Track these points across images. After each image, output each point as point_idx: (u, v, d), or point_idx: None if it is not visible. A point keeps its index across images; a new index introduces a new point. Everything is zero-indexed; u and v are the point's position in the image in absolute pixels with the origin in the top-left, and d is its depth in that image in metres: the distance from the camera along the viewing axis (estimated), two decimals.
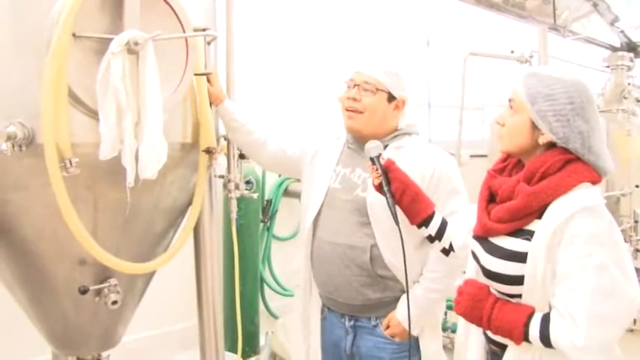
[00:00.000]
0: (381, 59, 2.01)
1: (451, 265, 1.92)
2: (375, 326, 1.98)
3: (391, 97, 1.97)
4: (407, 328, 1.90)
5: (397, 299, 1.95)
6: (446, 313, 4.21)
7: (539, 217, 1.43)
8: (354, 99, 1.95)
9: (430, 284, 1.94)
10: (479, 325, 1.51)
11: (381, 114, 1.96)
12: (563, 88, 1.43)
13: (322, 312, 2.08)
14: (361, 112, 1.95)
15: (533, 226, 1.44)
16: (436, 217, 1.77)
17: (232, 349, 2.37)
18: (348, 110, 1.97)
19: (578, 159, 1.44)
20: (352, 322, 2.00)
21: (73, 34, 1.39)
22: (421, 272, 1.95)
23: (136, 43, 1.42)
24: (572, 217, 1.37)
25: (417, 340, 1.98)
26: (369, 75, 1.95)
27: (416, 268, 1.93)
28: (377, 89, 1.94)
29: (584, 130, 1.43)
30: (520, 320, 1.42)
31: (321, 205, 1.98)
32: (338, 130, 2.10)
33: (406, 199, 1.74)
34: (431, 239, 1.80)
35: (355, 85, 1.96)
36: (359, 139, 1.99)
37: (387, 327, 1.96)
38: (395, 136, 2.00)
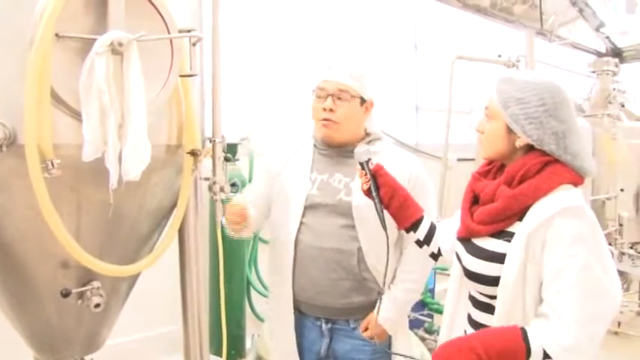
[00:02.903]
0: (347, 63, 1.98)
1: (425, 263, 1.96)
2: (354, 329, 1.98)
3: (362, 101, 1.96)
4: (386, 329, 1.94)
5: (376, 302, 1.95)
6: (432, 316, 4.22)
7: (521, 219, 1.44)
8: (331, 110, 1.93)
9: (409, 285, 1.96)
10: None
11: (356, 120, 1.97)
12: (534, 91, 1.45)
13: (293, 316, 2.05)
14: (337, 123, 1.94)
15: (514, 228, 1.45)
16: (424, 221, 1.78)
17: (218, 352, 2.36)
18: (324, 120, 1.95)
19: (557, 161, 1.45)
20: (329, 325, 2.00)
21: (56, 34, 1.37)
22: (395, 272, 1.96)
23: (120, 44, 1.40)
24: (553, 218, 1.38)
25: (390, 340, 2.00)
26: (341, 82, 1.92)
27: (391, 269, 1.96)
28: (351, 96, 1.93)
29: (558, 131, 1.44)
30: (517, 338, 1.38)
31: (303, 213, 1.96)
32: (303, 137, 2.10)
33: (395, 203, 1.75)
34: (419, 244, 1.80)
35: (328, 95, 1.93)
36: (332, 145, 1.99)
37: (366, 329, 1.96)
38: (369, 141, 2.00)
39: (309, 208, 1.96)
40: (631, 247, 5.10)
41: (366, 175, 1.76)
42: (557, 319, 1.36)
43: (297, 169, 2.03)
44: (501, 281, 1.44)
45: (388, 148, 1.99)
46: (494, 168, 1.61)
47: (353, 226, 1.91)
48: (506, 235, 1.47)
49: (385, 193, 1.74)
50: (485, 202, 1.53)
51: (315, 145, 2.06)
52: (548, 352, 1.35)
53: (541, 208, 1.42)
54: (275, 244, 2.09)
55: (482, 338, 1.40)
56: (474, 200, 1.60)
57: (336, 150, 1.99)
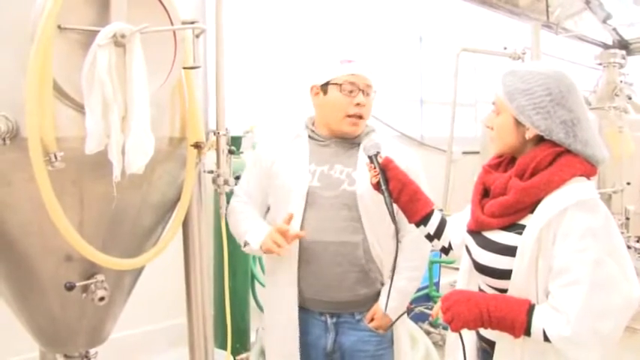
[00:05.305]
0: (364, 57, 1.98)
1: (425, 251, 1.98)
2: (359, 320, 1.98)
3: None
4: (392, 319, 1.93)
5: (380, 292, 1.97)
6: None
7: (532, 211, 1.43)
8: (362, 105, 1.93)
9: (412, 273, 1.97)
10: (477, 321, 1.42)
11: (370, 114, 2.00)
12: (540, 81, 1.43)
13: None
14: (364, 118, 1.96)
15: (526, 220, 1.44)
16: (435, 215, 1.76)
17: (223, 345, 2.36)
18: (355, 116, 1.93)
19: (568, 152, 1.43)
20: (335, 320, 1.98)
21: (59, 26, 1.36)
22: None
23: (123, 36, 1.39)
24: (566, 211, 1.36)
25: (392, 330, 2.00)
26: (366, 77, 1.93)
27: (393, 259, 1.94)
28: (373, 91, 1.96)
29: (567, 120, 1.42)
30: (521, 310, 1.39)
31: (304, 207, 1.93)
32: (295, 128, 2.07)
33: (404, 197, 1.74)
34: (430, 238, 1.79)
35: (359, 90, 1.93)
36: (333, 136, 1.99)
37: (371, 320, 1.96)
38: (366, 134, 2.01)
39: (310, 202, 1.93)
40: (637, 241, 5.08)
41: (375, 168, 1.75)
42: (563, 312, 1.35)
43: (293, 162, 1.99)
44: (513, 274, 1.43)
45: (384, 140, 1.97)
46: (505, 161, 1.60)
47: (357, 217, 1.90)
48: (517, 228, 1.45)
49: (394, 186, 1.73)
50: (496, 194, 1.52)
51: (310, 137, 2.03)
52: (548, 335, 1.36)
53: (553, 200, 1.40)
54: None
55: (491, 299, 1.43)
56: (485, 193, 1.59)
57: (337, 141, 1.98)
